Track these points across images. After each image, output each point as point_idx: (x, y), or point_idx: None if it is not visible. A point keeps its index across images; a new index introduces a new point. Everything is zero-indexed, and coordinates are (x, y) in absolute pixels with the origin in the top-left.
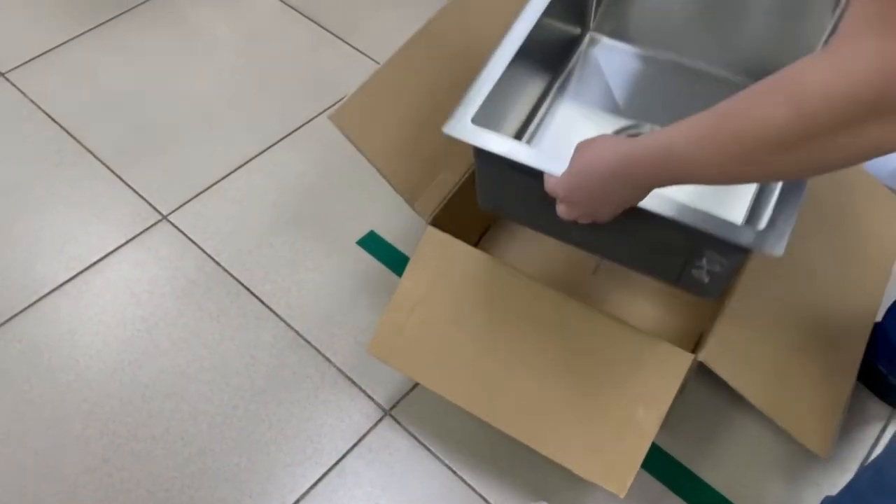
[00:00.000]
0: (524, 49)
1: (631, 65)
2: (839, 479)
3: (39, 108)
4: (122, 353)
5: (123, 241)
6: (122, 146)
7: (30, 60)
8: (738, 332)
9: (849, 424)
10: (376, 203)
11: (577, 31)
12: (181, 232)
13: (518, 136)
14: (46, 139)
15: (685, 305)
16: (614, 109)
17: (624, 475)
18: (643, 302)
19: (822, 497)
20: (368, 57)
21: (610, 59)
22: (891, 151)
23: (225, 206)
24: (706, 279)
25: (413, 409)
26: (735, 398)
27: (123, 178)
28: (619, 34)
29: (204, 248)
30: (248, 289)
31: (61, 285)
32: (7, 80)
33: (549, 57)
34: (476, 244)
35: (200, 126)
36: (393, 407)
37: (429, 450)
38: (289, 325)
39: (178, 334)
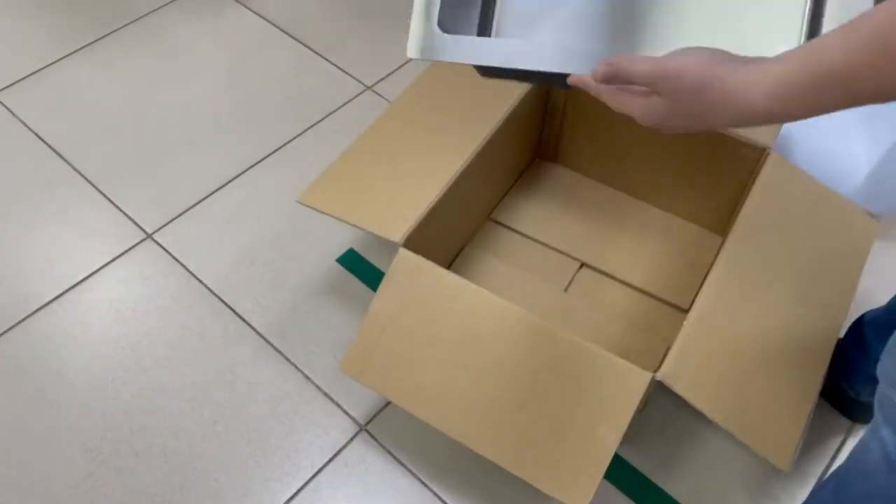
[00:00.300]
0: None
1: None
2: (798, 491)
3: (28, 127)
4: (106, 370)
5: (109, 259)
6: (109, 165)
7: (19, 80)
8: (699, 348)
9: (809, 438)
10: None
11: None
12: (165, 250)
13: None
14: (34, 158)
15: (653, 323)
16: None
17: (585, 490)
18: (613, 320)
19: None
20: (350, 75)
21: None
22: None
23: (208, 225)
24: None
25: (388, 425)
26: (699, 413)
27: (109, 197)
28: None
29: (187, 266)
30: (229, 306)
31: (48, 303)
32: None
33: None
34: (449, 266)
35: (185, 145)
36: (368, 423)
37: (403, 465)
38: (268, 343)
39: (160, 352)
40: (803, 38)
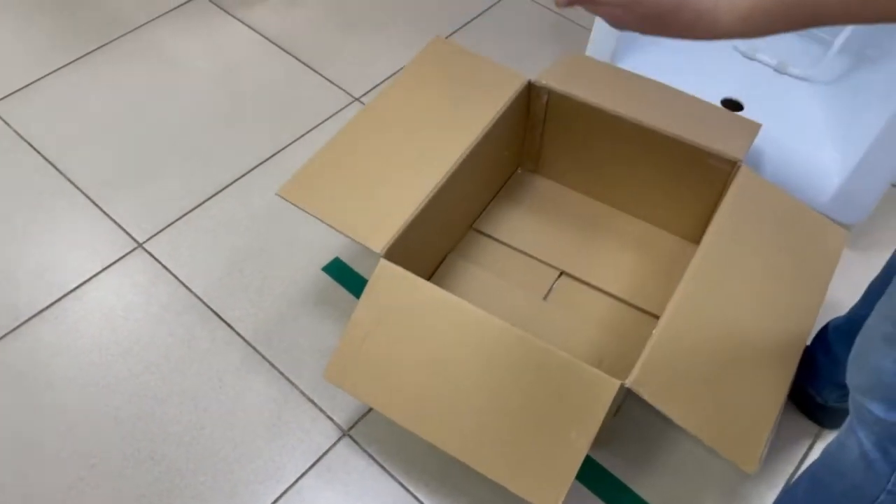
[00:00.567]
0: None
1: None
2: (768, 493)
3: (22, 138)
4: (98, 376)
5: (101, 268)
6: (101, 176)
7: (13, 92)
8: (668, 355)
9: (779, 442)
10: None
11: None
12: (156, 259)
13: None
14: (28, 168)
15: (629, 330)
16: None
17: (557, 492)
18: (590, 327)
19: None
20: (338, 87)
21: None
22: None
23: (198, 235)
24: None
25: (370, 430)
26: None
27: (102, 206)
28: None
29: (177, 275)
30: (217, 314)
31: (41, 311)
32: None
33: None
34: (432, 274)
35: (177, 156)
36: (351, 427)
37: (384, 468)
38: (255, 349)
39: (150, 358)
40: None
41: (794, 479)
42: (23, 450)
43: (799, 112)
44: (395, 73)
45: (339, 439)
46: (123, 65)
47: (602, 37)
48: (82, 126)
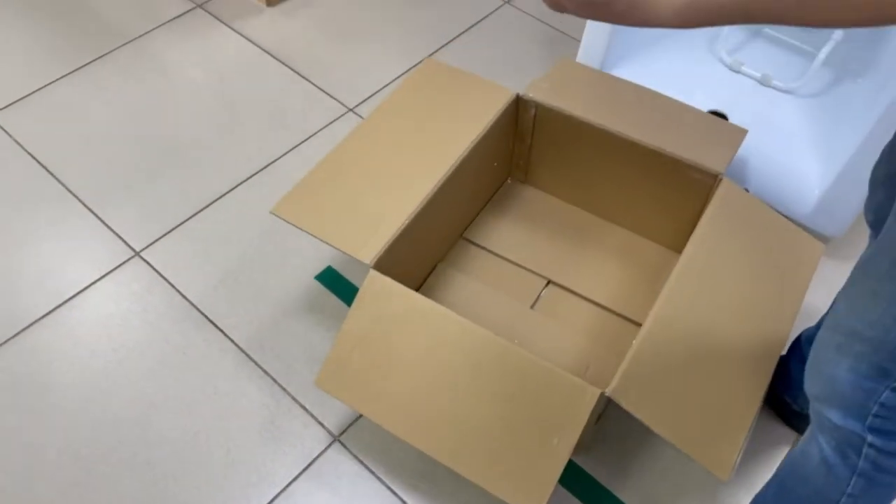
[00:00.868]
0: None
1: None
2: (746, 498)
3: (22, 147)
4: (95, 382)
5: (98, 276)
6: (100, 185)
7: (14, 102)
8: (647, 364)
9: (758, 447)
10: None
11: None
12: (152, 268)
13: None
14: (28, 178)
15: (614, 339)
16: None
17: (540, 496)
18: (576, 335)
19: None
20: (332, 97)
21: None
22: None
23: (194, 243)
24: None
25: (360, 436)
26: None
27: (100, 215)
28: None
29: (173, 283)
30: (212, 322)
31: (40, 318)
32: None
33: None
34: (422, 283)
35: (173, 165)
36: (342, 433)
37: (373, 473)
38: (249, 357)
39: (146, 365)
40: None
41: (764, 485)
42: (21, 453)
43: (782, 124)
44: (388, 84)
45: (330, 444)
46: (121, 75)
47: (592, 47)
48: (80, 135)
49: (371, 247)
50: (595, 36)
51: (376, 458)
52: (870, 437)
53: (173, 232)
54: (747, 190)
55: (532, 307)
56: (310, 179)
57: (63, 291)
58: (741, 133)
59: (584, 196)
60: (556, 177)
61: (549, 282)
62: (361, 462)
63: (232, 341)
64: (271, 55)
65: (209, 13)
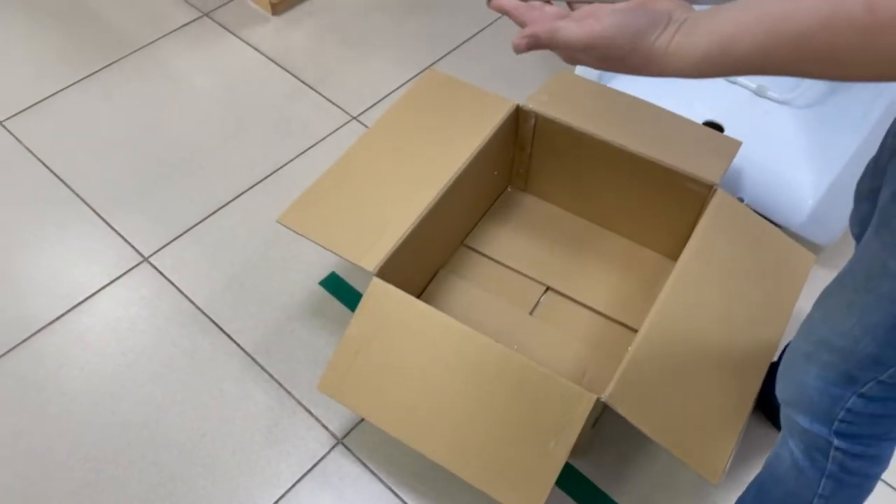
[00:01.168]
0: None
1: None
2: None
3: (33, 154)
4: (104, 386)
5: (108, 281)
6: (109, 191)
7: (25, 109)
8: (643, 370)
9: (750, 450)
10: None
11: None
12: (160, 273)
13: None
14: (38, 184)
15: (611, 345)
16: None
17: (537, 498)
18: (574, 341)
19: None
20: (337, 106)
21: None
22: None
23: (201, 249)
24: None
25: (363, 439)
26: None
27: (109, 221)
28: None
29: (180, 288)
30: (218, 326)
31: (50, 323)
32: (4, 127)
33: None
34: (423, 289)
35: (181, 172)
36: (345, 436)
37: (375, 475)
38: (254, 360)
39: (154, 369)
40: None
41: (746, 486)
42: (32, 455)
43: (777, 135)
44: (392, 93)
45: (334, 447)
46: (130, 82)
47: None
48: (89, 142)
49: (374, 254)
50: None
51: (378, 461)
52: (836, 441)
53: (181, 238)
54: (742, 199)
55: (531, 313)
56: (314, 188)
57: (72, 296)
58: (735, 145)
59: (582, 204)
60: (555, 185)
61: (547, 288)
62: (364, 464)
63: (238, 345)
64: (276, 63)
65: (216, 22)
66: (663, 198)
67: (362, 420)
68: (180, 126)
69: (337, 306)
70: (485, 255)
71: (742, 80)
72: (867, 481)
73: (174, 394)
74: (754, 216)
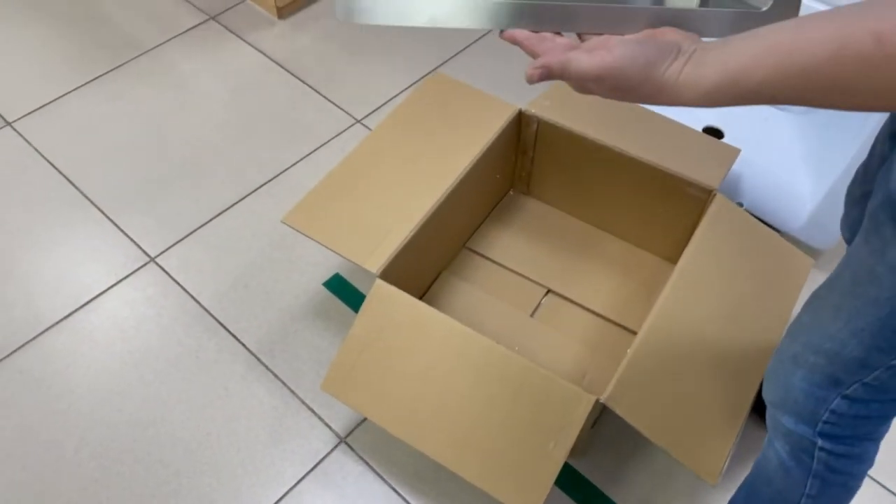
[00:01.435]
0: None
1: None
2: None
3: (41, 155)
4: (111, 384)
5: (115, 281)
6: (116, 192)
7: (34, 111)
8: (642, 371)
9: (747, 452)
10: None
11: None
12: (167, 273)
13: None
14: (47, 185)
15: (611, 347)
16: None
17: (536, 497)
18: (574, 343)
19: None
20: (341, 109)
21: None
22: None
23: (207, 250)
24: None
25: (365, 438)
26: None
27: (116, 222)
28: None
29: (186, 288)
30: (224, 326)
31: (59, 322)
32: (14, 129)
33: None
34: (426, 291)
35: (187, 174)
36: (348, 435)
37: (377, 474)
38: (259, 360)
39: (160, 368)
40: None
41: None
42: (40, 452)
43: (776, 141)
44: (395, 97)
45: (336, 446)
46: (137, 85)
47: None
48: (98, 143)
49: (377, 256)
50: None
51: (380, 460)
52: (820, 442)
53: (187, 238)
54: (741, 204)
55: (532, 315)
56: (319, 190)
57: (80, 296)
58: (734, 151)
59: (583, 208)
60: (556, 189)
61: (548, 291)
62: (366, 463)
63: (243, 345)
64: (282, 67)
65: (222, 25)
66: (663, 202)
67: (365, 420)
68: (187, 128)
69: (340, 307)
70: (487, 258)
71: None
72: (852, 480)
73: (179, 392)
74: (753, 221)
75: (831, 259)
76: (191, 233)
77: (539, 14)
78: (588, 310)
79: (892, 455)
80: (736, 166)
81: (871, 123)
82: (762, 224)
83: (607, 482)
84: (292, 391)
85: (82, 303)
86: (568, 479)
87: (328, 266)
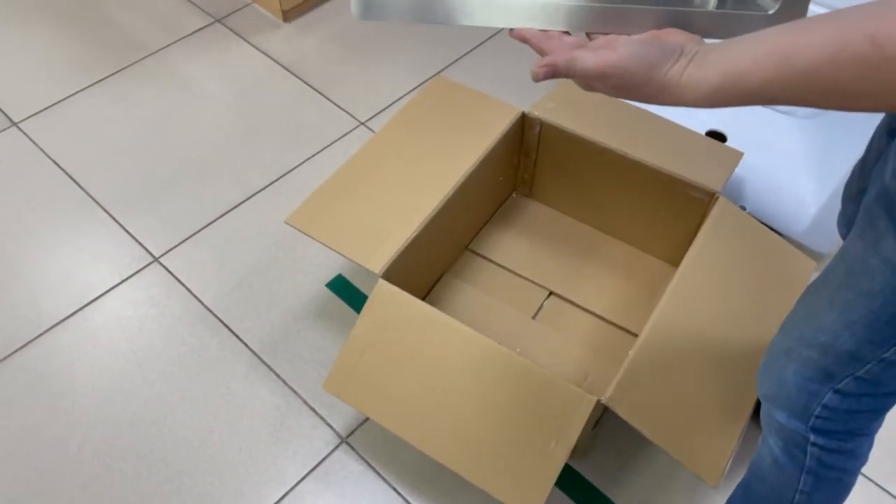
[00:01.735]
0: None
1: None
2: None
3: (47, 155)
4: (114, 382)
5: (119, 280)
6: (121, 192)
7: (40, 111)
8: (643, 372)
9: (748, 454)
10: None
11: None
12: (170, 273)
13: None
14: (52, 185)
15: (612, 349)
16: None
17: (537, 498)
18: (576, 345)
19: None
20: (345, 111)
21: None
22: None
23: (210, 250)
24: None
25: (367, 438)
26: None
27: (121, 222)
28: None
29: (190, 288)
30: (226, 326)
31: (63, 321)
32: (20, 129)
33: None
34: (428, 293)
35: (191, 175)
36: (349, 435)
37: (378, 474)
38: (261, 360)
39: (163, 367)
40: None
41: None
42: (44, 449)
43: (780, 144)
44: (399, 99)
45: (338, 446)
46: (143, 86)
47: None
48: (103, 144)
49: (380, 257)
50: None
51: (381, 460)
52: (812, 437)
53: (191, 239)
54: (744, 208)
55: (534, 317)
56: (322, 191)
57: (84, 295)
58: (737, 155)
59: (586, 211)
60: (559, 192)
61: (550, 293)
62: (367, 463)
63: (245, 345)
64: (287, 69)
65: (228, 28)
66: (666, 205)
67: (366, 420)
68: (192, 129)
69: (343, 307)
70: (489, 260)
71: None
72: (846, 476)
73: (182, 391)
74: (756, 224)
75: None
76: (194, 233)
77: (548, 13)
78: (590, 312)
79: (889, 455)
80: (739, 170)
81: (874, 127)
82: (764, 227)
83: (608, 483)
84: (294, 391)
85: (86, 302)
86: (569, 479)
87: (331, 266)
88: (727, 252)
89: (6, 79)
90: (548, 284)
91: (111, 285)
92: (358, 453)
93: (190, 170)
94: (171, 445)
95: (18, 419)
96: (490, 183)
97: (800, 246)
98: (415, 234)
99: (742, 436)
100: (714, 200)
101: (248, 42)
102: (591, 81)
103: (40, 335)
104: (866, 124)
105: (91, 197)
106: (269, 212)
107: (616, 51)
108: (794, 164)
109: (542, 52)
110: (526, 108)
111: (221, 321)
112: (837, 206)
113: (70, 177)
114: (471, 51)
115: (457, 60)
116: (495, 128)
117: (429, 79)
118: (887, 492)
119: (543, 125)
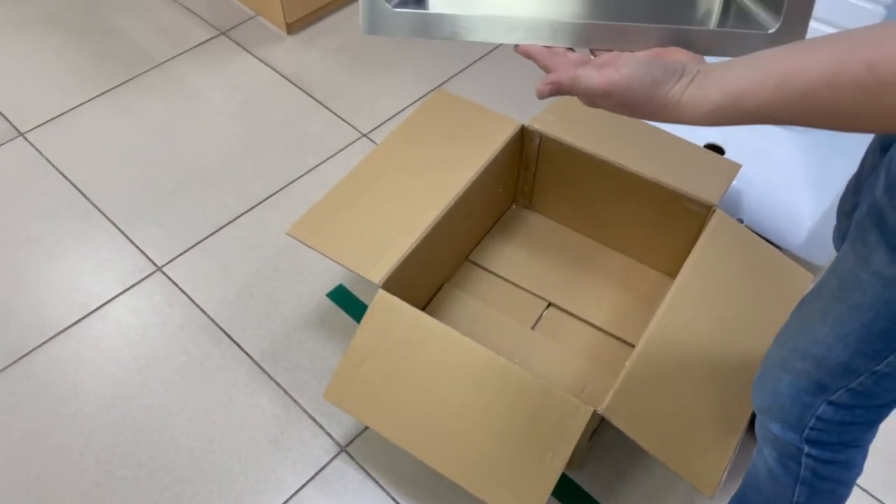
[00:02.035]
0: None
1: None
2: None
3: (53, 165)
4: (117, 390)
5: (122, 289)
6: (125, 202)
7: (47, 122)
8: (640, 383)
9: (745, 465)
10: None
11: None
12: (173, 282)
13: None
14: (57, 195)
15: (610, 360)
16: None
17: None
18: (574, 356)
19: None
20: (347, 123)
21: None
22: None
23: (213, 260)
24: None
25: (366, 447)
26: None
27: (125, 231)
28: None
29: (192, 297)
30: (228, 335)
31: (66, 328)
32: (26, 139)
33: None
34: (428, 303)
35: (195, 185)
36: (349, 444)
37: (377, 483)
38: (262, 369)
39: (165, 375)
40: None
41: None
42: (46, 456)
43: (777, 158)
44: (401, 112)
45: (337, 454)
46: (148, 98)
47: None
48: (108, 155)
49: (380, 267)
50: None
51: (380, 469)
52: (807, 448)
53: (194, 248)
54: (741, 220)
55: (533, 328)
56: (324, 202)
57: (88, 303)
58: (735, 167)
59: (584, 222)
60: (558, 204)
61: (549, 304)
62: (366, 472)
63: (246, 354)
64: (290, 81)
65: (232, 40)
66: (663, 217)
67: (365, 429)
68: (196, 141)
69: (343, 318)
70: (489, 271)
71: None
72: (840, 487)
73: (184, 399)
74: (753, 236)
75: None
76: (197, 243)
77: (552, 30)
78: (589, 323)
79: (886, 467)
80: (736, 183)
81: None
82: (761, 240)
83: (605, 494)
84: (294, 400)
85: (90, 310)
86: (565, 490)
87: (332, 277)
88: (724, 264)
89: (13, 89)
90: (547, 295)
91: (115, 294)
92: (357, 462)
93: (194, 180)
94: (172, 453)
95: (22, 426)
96: (490, 194)
97: (797, 259)
98: (415, 244)
99: (738, 447)
100: (711, 213)
101: (252, 54)
102: (595, 99)
103: (44, 343)
104: (862, 139)
105: (96, 206)
106: (271, 222)
107: (619, 70)
108: (791, 177)
109: (546, 69)
110: (526, 121)
111: (223, 330)
112: (834, 220)
113: (75, 186)
114: (471, 64)
115: (458, 73)
116: (495, 140)
117: (430, 91)
118: None
119: (543, 138)
